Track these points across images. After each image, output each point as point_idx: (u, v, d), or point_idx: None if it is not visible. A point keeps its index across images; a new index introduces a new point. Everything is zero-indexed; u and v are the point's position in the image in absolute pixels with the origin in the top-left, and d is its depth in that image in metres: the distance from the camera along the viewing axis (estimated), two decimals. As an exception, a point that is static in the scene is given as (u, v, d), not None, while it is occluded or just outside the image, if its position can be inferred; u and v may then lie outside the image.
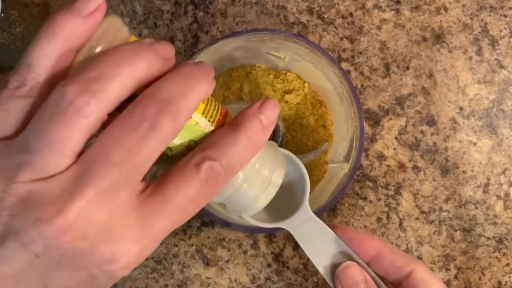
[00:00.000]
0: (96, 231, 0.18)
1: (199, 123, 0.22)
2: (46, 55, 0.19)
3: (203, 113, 0.22)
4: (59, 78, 0.20)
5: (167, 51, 0.21)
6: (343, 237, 0.27)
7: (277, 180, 0.25)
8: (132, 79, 0.19)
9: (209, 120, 0.22)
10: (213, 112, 0.23)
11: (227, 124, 0.22)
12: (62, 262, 0.18)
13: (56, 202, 0.18)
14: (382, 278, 0.27)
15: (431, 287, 0.26)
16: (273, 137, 0.37)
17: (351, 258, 0.27)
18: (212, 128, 0.22)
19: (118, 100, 0.19)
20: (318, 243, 0.27)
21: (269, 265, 0.41)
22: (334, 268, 0.26)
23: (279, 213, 0.28)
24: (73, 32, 0.20)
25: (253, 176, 0.24)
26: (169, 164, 0.21)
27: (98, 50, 0.20)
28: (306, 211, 0.27)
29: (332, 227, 0.27)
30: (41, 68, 0.19)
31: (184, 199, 0.20)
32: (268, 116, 0.22)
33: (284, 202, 0.28)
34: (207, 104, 0.23)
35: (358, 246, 0.27)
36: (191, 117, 0.22)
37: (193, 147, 0.22)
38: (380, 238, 0.28)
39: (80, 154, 0.19)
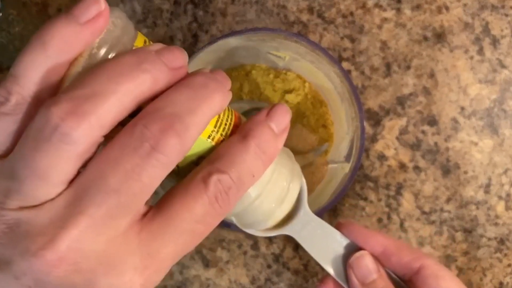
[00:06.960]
0: (92, 263, 0.16)
1: (210, 138, 0.20)
2: (34, 67, 0.17)
3: (215, 126, 0.20)
4: (49, 94, 0.17)
5: (178, 60, 0.18)
6: (348, 234, 0.26)
7: (294, 193, 0.23)
8: (133, 96, 0.17)
9: (221, 134, 0.20)
10: (226, 124, 0.20)
11: (235, 134, 0.20)
12: None
13: (45, 233, 0.16)
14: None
15: (442, 282, 0.25)
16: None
17: None
18: None
19: (115, 121, 0.17)
20: (323, 244, 0.26)
21: (269, 266, 0.41)
22: (343, 266, 0.26)
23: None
24: (66, 41, 0.17)
25: (268, 190, 0.22)
26: (175, 182, 0.19)
27: (100, 57, 0.18)
28: (306, 213, 0.26)
29: (337, 224, 0.26)
30: (27, 81, 0.17)
31: (192, 219, 0.18)
32: (279, 122, 0.20)
33: None
34: (219, 116, 0.20)
35: (364, 243, 0.26)
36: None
37: None
38: (386, 234, 0.27)
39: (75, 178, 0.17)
